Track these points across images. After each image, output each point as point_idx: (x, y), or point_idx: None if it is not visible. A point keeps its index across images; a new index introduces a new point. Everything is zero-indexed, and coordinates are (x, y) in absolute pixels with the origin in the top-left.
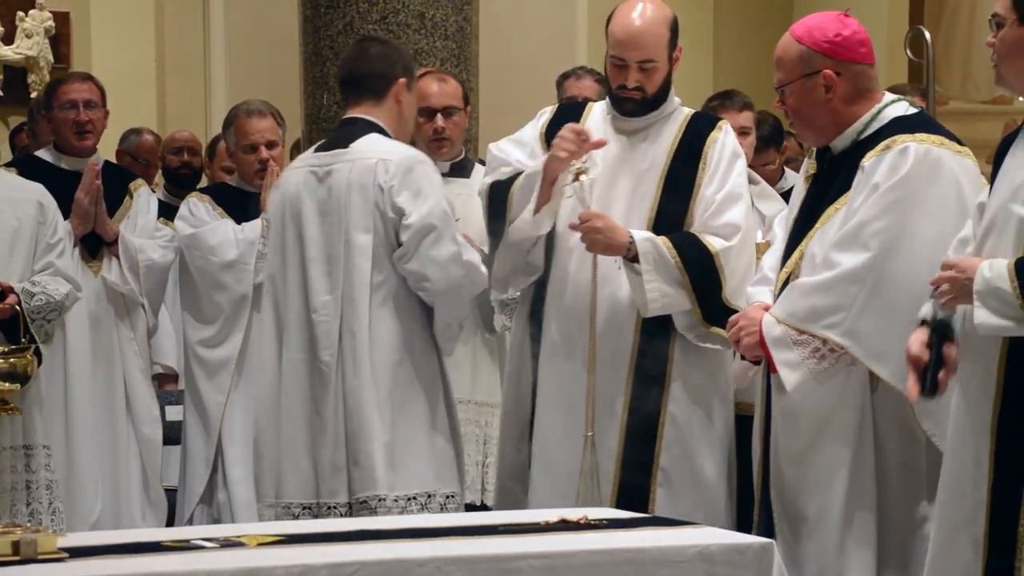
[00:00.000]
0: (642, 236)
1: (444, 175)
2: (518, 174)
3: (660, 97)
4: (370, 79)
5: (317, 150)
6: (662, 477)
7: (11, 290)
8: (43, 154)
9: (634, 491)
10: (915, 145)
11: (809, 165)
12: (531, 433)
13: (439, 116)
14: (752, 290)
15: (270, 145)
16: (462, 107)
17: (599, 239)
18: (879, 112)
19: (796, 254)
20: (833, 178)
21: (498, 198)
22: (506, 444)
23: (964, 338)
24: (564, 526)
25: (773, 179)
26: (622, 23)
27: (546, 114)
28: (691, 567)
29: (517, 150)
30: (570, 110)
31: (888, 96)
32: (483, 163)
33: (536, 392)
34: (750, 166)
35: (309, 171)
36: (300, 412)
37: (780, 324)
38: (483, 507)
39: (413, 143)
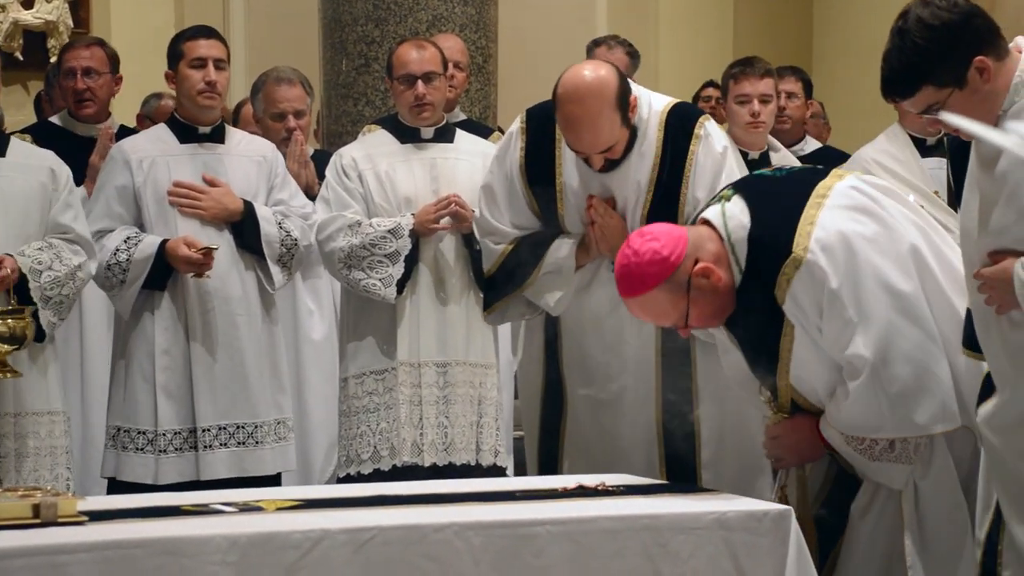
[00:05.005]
0: None
1: (428, 140)
2: (529, 244)
3: (629, 146)
4: None
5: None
6: (707, 477)
7: (6, 258)
8: (56, 120)
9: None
10: (813, 255)
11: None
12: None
13: (419, 83)
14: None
15: (298, 114)
16: (442, 72)
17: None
18: (733, 246)
19: (783, 391)
20: (750, 320)
21: (519, 270)
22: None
23: (1013, 338)
24: (582, 492)
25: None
26: (568, 119)
27: (517, 140)
28: (708, 534)
29: (503, 215)
30: (541, 125)
31: (715, 218)
32: (502, 131)
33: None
34: (770, 132)
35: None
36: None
37: (838, 433)
38: (477, 467)
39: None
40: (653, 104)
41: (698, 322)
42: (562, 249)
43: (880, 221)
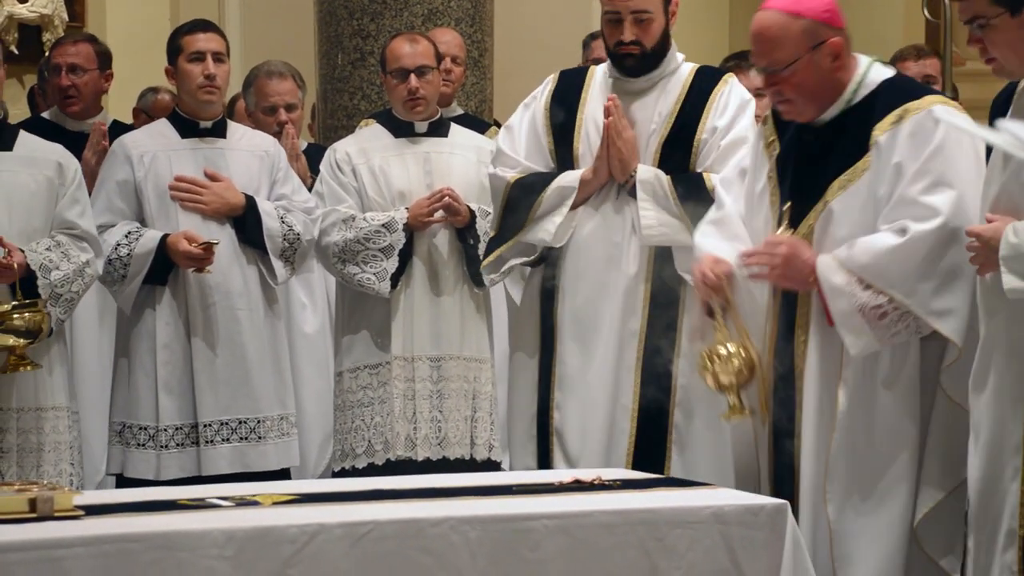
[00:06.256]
0: (644, 167)
1: (422, 135)
2: (536, 174)
3: (660, 52)
4: None
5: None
6: (676, 436)
7: (16, 251)
8: (48, 115)
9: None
10: (940, 108)
11: (767, 132)
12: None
13: (412, 77)
14: (710, 242)
15: (289, 108)
16: (435, 66)
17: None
18: (863, 77)
19: (803, 228)
20: (828, 150)
21: (522, 199)
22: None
23: (988, 301)
24: (578, 487)
25: None
26: None
27: (549, 84)
28: (705, 528)
29: (519, 145)
30: (572, 76)
31: (863, 59)
32: (498, 125)
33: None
34: None
35: None
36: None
37: (842, 270)
38: (472, 461)
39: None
40: (685, 62)
41: (789, 86)
42: (567, 176)
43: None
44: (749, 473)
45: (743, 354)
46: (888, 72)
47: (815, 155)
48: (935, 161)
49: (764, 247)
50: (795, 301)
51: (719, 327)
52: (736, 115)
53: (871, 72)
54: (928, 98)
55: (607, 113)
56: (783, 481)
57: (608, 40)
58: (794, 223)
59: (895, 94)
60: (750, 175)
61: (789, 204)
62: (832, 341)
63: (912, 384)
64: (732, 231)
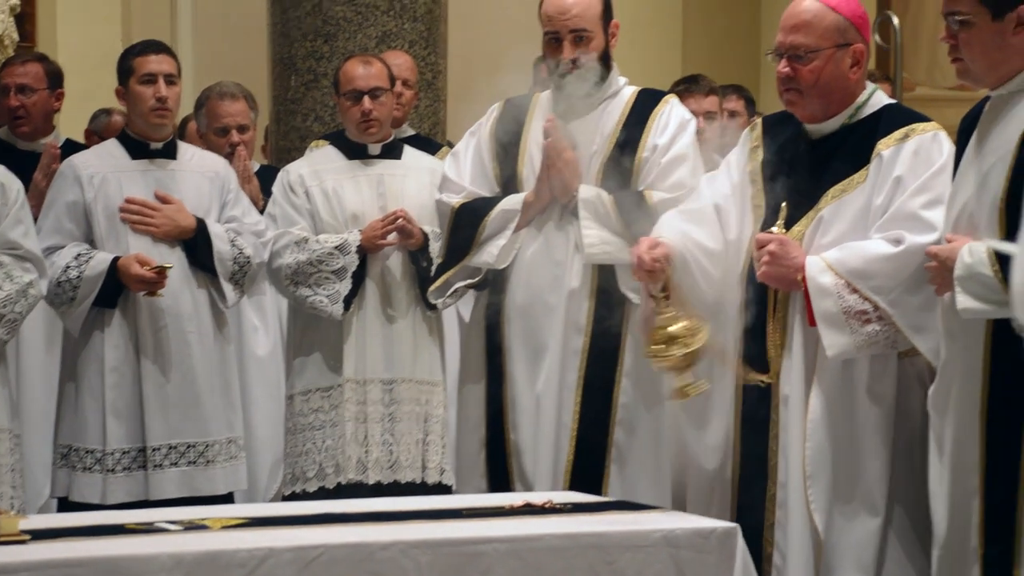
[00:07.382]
0: (586, 187)
1: (375, 157)
2: (481, 199)
3: (600, 74)
4: None
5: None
6: (616, 454)
7: None
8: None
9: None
10: (943, 134)
11: (753, 137)
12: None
13: (366, 99)
14: (663, 225)
15: (241, 129)
16: (388, 88)
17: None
18: (868, 98)
19: (793, 235)
20: (826, 161)
21: (467, 224)
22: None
23: (948, 323)
24: (529, 510)
25: None
26: None
27: (494, 111)
28: (655, 551)
29: (464, 172)
30: (517, 103)
31: (869, 84)
32: (450, 144)
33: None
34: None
35: None
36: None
37: (831, 272)
38: (423, 485)
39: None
40: (628, 85)
41: (804, 75)
42: (510, 200)
43: None
44: (683, 489)
45: (691, 331)
46: (889, 99)
47: (811, 166)
48: (938, 180)
49: (760, 239)
50: (767, 302)
51: (660, 310)
52: (676, 133)
53: (875, 95)
54: (933, 123)
55: (546, 135)
56: (752, 484)
57: (549, 61)
58: (785, 228)
59: (900, 115)
60: (730, 168)
61: (786, 204)
62: (808, 346)
63: (889, 397)
64: (698, 216)
